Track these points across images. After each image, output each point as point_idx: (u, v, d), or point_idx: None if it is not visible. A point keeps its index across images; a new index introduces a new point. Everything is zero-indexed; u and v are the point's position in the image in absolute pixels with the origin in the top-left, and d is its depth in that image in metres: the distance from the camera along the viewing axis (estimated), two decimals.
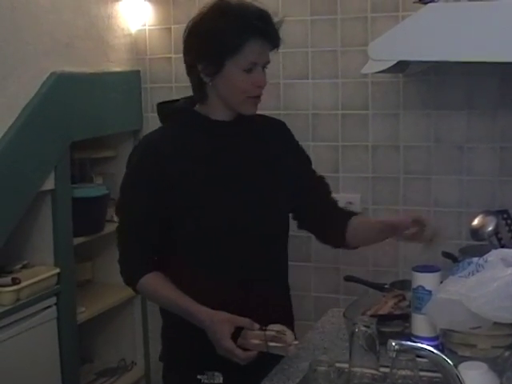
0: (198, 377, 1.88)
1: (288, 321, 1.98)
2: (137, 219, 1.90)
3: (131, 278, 1.93)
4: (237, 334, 1.77)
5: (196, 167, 1.87)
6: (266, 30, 1.84)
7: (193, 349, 1.91)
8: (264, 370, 1.82)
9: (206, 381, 1.88)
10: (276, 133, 2.04)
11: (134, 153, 1.95)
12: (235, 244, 1.87)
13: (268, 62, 1.89)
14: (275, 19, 1.88)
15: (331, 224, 2.05)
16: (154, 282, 1.89)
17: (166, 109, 1.98)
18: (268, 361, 1.81)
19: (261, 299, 1.87)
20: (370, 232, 2.05)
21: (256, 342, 1.75)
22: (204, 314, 1.81)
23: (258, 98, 1.89)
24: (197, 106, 1.94)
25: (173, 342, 2.00)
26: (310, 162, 2.11)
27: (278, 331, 1.76)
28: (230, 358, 1.76)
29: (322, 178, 2.11)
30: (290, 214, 2.06)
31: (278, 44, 1.89)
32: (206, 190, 1.86)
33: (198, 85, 1.90)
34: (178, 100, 1.99)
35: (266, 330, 1.76)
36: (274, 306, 1.90)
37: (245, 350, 1.75)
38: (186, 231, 1.88)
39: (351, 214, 2.09)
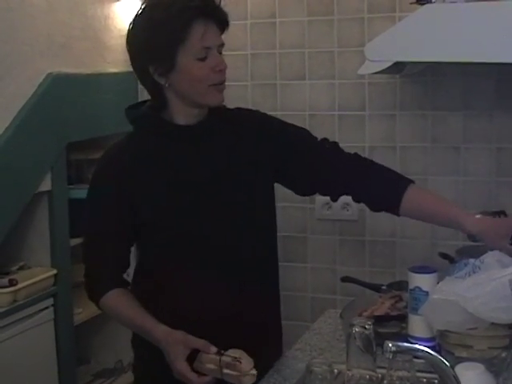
0: None
1: (274, 324, 1.95)
2: (100, 233, 1.82)
3: (94, 294, 1.84)
4: (195, 355, 1.67)
5: (162, 174, 1.78)
6: (207, 7, 1.72)
7: (162, 364, 1.72)
8: None
9: None
10: (249, 123, 1.90)
11: (96, 165, 1.87)
12: (210, 248, 1.79)
13: (222, 45, 1.76)
14: None
15: (368, 177, 1.90)
16: (115, 299, 1.80)
17: (130, 114, 1.86)
18: None
19: (246, 301, 1.80)
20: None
21: (211, 366, 1.63)
22: (160, 333, 1.71)
23: (221, 84, 1.76)
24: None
25: (142, 353, 1.89)
26: (305, 135, 1.97)
27: (234, 358, 1.61)
28: (185, 382, 1.66)
29: (325, 140, 1.97)
30: (324, 195, 1.96)
31: (224, 21, 1.76)
32: (174, 196, 1.77)
33: (155, 90, 1.79)
34: (145, 102, 1.87)
35: (222, 354, 1.62)
36: (262, 307, 1.84)
37: (201, 373, 1.64)
38: (158, 240, 1.81)
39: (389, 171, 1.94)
